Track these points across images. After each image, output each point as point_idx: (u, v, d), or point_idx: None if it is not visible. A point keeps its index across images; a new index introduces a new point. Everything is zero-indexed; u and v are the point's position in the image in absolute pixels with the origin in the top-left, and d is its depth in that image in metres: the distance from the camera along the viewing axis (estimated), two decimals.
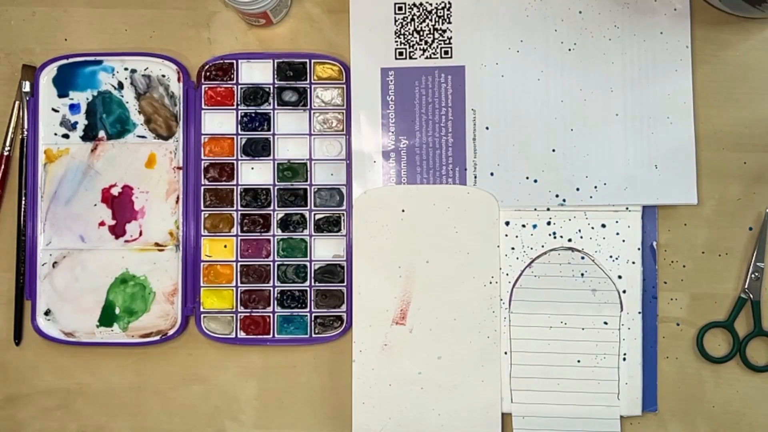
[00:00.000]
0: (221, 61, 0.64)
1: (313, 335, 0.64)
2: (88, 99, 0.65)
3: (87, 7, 0.66)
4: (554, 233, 0.63)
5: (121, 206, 0.64)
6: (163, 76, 0.64)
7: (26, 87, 0.65)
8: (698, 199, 0.63)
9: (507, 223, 0.63)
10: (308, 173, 0.64)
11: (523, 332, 0.63)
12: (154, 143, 0.64)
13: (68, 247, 0.64)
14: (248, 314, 0.64)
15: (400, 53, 0.64)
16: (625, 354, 0.62)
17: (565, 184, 0.63)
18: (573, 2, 0.64)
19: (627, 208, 0.63)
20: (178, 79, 0.64)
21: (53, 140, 0.65)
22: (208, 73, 0.64)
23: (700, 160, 0.63)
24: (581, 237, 0.63)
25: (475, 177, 0.63)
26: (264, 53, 0.65)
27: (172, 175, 0.64)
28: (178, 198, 0.64)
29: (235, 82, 0.64)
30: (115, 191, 0.64)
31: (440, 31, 0.64)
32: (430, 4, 0.64)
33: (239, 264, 0.64)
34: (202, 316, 0.64)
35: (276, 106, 0.64)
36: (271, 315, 0.64)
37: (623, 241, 0.63)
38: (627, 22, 0.64)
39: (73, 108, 0.65)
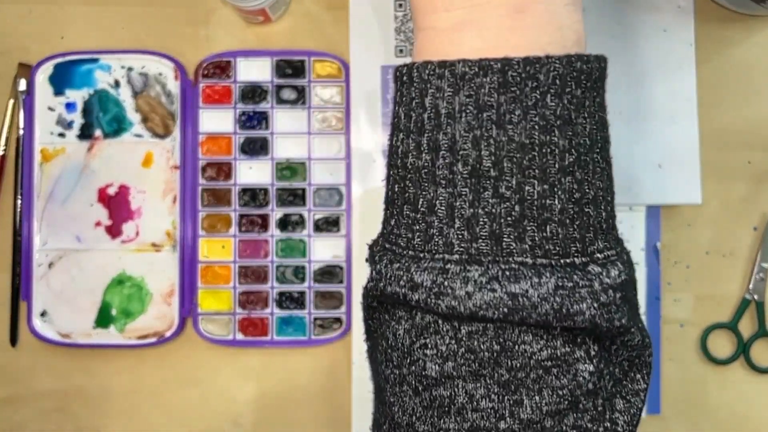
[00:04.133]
0: (219, 59, 0.64)
1: (312, 337, 0.63)
2: (84, 97, 0.64)
3: (84, 4, 0.66)
4: None
5: (117, 206, 0.63)
6: (160, 74, 0.64)
7: (22, 85, 0.64)
8: (702, 199, 0.62)
9: None
10: (307, 172, 0.63)
11: None
12: (150, 142, 0.64)
13: (64, 248, 0.63)
14: (246, 315, 0.63)
15: (401, 51, 0.63)
16: None
17: None
18: None
19: (630, 208, 0.62)
20: (176, 77, 0.64)
21: (49, 139, 0.64)
22: (205, 71, 0.64)
23: (704, 159, 0.62)
24: None
25: None
26: (262, 51, 0.64)
27: (169, 175, 0.63)
28: (175, 198, 0.63)
29: (233, 80, 0.64)
30: (111, 191, 0.64)
31: None
32: None
33: (237, 265, 0.63)
34: (200, 317, 0.63)
35: (274, 105, 0.64)
36: (269, 316, 0.63)
37: (626, 241, 0.61)
38: (629, 19, 0.63)
39: (70, 106, 0.64)
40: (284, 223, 0.63)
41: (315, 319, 0.63)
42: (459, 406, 0.37)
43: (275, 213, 0.63)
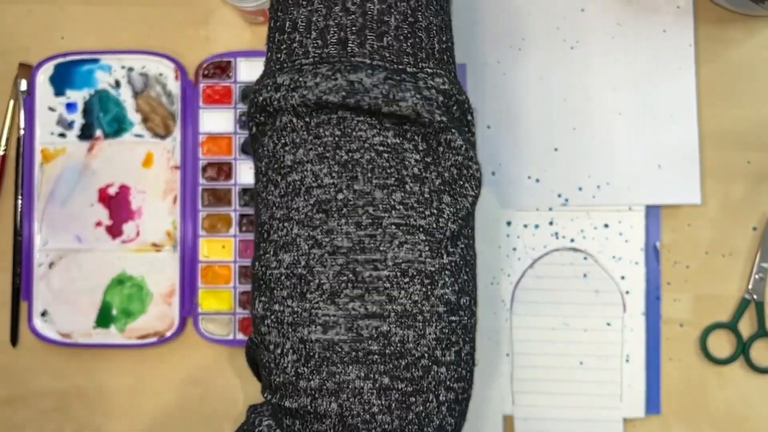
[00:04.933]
0: (219, 59, 0.64)
1: None
2: (85, 98, 0.64)
3: (84, 4, 0.66)
4: (556, 233, 0.62)
5: (117, 206, 0.63)
6: (161, 74, 0.64)
7: (23, 86, 0.64)
8: (702, 199, 0.62)
9: (508, 224, 0.62)
10: None
11: (525, 333, 0.62)
12: (151, 142, 0.64)
13: (65, 248, 0.63)
14: (247, 315, 0.63)
15: None
16: (628, 355, 0.61)
17: (567, 184, 0.62)
18: (575, 0, 0.63)
19: (630, 208, 0.62)
20: (176, 78, 0.64)
21: (50, 139, 0.64)
22: (206, 72, 0.64)
23: (703, 159, 0.63)
24: (584, 237, 0.62)
25: None
26: (262, 51, 0.64)
27: (169, 175, 0.63)
28: (175, 198, 0.63)
29: (233, 80, 0.64)
30: (111, 191, 0.64)
31: None
32: None
33: (237, 265, 0.63)
34: (200, 317, 0.63)
35: None
36: None
37: (626, 241, 0.62)
38: (630, 19, 0.63)
39: (70, 107, 0.64)
40: None
41: None
42: (307, 186, 0.44)
43: None
